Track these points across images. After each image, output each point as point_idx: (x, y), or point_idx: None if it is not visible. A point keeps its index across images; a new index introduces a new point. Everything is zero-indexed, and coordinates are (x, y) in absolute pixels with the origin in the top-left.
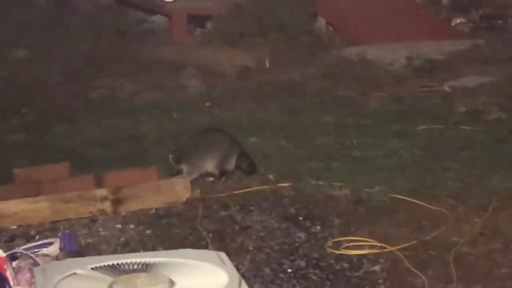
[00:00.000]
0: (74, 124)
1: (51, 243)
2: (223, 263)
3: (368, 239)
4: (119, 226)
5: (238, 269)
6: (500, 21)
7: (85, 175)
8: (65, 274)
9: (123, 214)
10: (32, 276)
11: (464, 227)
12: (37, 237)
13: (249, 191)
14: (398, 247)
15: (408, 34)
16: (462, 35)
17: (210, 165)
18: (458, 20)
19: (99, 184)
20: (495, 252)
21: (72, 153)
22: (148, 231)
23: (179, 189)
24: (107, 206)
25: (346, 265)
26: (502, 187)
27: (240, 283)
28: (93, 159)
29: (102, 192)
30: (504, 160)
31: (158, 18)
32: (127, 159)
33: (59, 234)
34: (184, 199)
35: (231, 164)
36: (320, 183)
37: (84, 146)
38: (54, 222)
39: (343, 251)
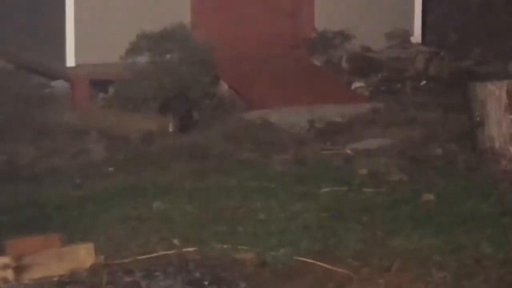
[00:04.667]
0: None
1: None
2: None
3: None
4: None
5: None
6: (398, 85)
7: None
8: None
9: (26, 282)
10: None
11: None
12: None
13: (154, 256)
14: None
15: (309, 97)
16: (362, 99)
17: None
18: (358, 84)
19: (1, 251)
20: None
21: None
22: None
23: (83, 256)
24: (9, 274)
25: None
26: (404, 248)
27: None
28: None
29: (3, 259)
30: (406, 221)
31: (59, 83)
32: (29, 225)
33: None
34: (88, 265)
35: None
36: (225, 246)
37: None
38: None
39: None
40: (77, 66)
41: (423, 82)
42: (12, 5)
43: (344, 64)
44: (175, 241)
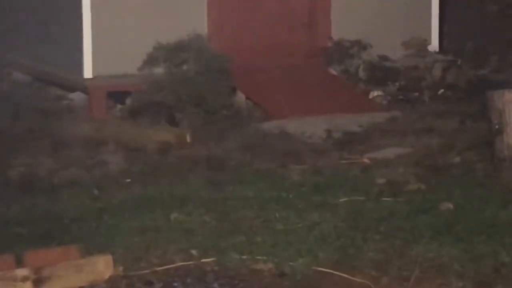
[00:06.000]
0: None
1: None
2: None
3: None
4: None
5: None
6: (416, 94)
7: (5, 254)
8: None
9: None
10: None
11: None
12: None
13: (172, 267)
14: None
15: (327, 107)
16: (379, 108)
17: None
18: (376, 93)
19: (20, 263)
20: None
21: None
22: None
23: (101, 267)
24: (28, 286)
25: None
26: (423, 257)
27: None
28: (13, 238)
29: (23, 271)
30: (425, 230)
31: (77, 95)
32: (47, 237)
33: None
34: (107, 277)
35: None
36: (244, 257)
37: (3, 225)
38: None
39: None
40: (95, 77)
41: (441, 91)
42: (29, 16)
43: (361, 73)
44: (193, 252)
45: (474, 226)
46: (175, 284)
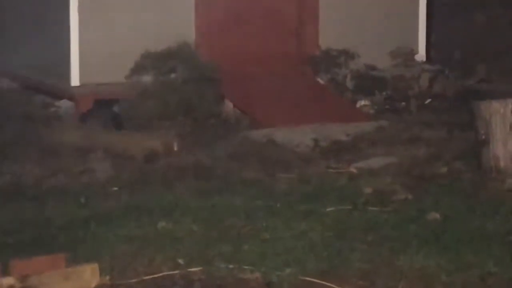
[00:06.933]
0: None
1: None
2: None
3: None
4: None
5: None
6: (403, 103)
7: None
8: None
9: None
10: None
11: None
12: None
13: (159, 276)
14: None
15: (314, 116)
16: (367, 117)
17: None
18: (363, 102)
19: (6, 272)
20: None
21: None
22: None
23: (88, 276)
24: None
25: None
26: (410, 267)
27: None
28: None
29: (9, 280)
30: (412, 240)
31: (64, 103)
32: (34, 245)
33: None
34: (93, 286)
35: None
36: (231, 266)
37: None
38: None
39: None
40: (82, 85)
41: (428, 100)
42: (16, 23)
43: (349, 83)
44: (180, 261)
45: (461, 236)
46: None
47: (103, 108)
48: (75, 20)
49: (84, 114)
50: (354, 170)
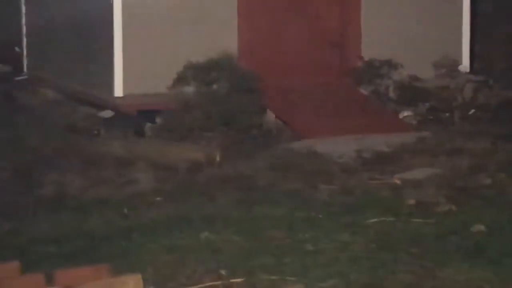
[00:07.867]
0: (22, 221)
1: None
2: None
3: None
4: None
5: None
6: (446, 114)
7: (34, 273)
8: None
9: None
10: None
11: None
12: None
13: (201, 287)
14: None
15: (357, 127)
16: (409, 128)
17: None
18: (406, 113)
19: (50, 282)
20: None
21: (21, 251)
22: None
23: (131, 287)
24: None
25: None
26: (454, 279)
27: None
28: (43, 257)
29: None
30: (455, 252)
31: (107, 113)
32: (77, 256)
33: None
34: None
35: None
36: (273, 277)
37: (33, 243)
38: None
39: None
40: (125, 96)
41: (472, 111)
42: (61, 36)
43: (392, 93)
44: (222, 272)
45: (505, 248)
46: None
47: (146, 118)
48: (119, 32)
49: (127, 124)
50: (397, 181)
